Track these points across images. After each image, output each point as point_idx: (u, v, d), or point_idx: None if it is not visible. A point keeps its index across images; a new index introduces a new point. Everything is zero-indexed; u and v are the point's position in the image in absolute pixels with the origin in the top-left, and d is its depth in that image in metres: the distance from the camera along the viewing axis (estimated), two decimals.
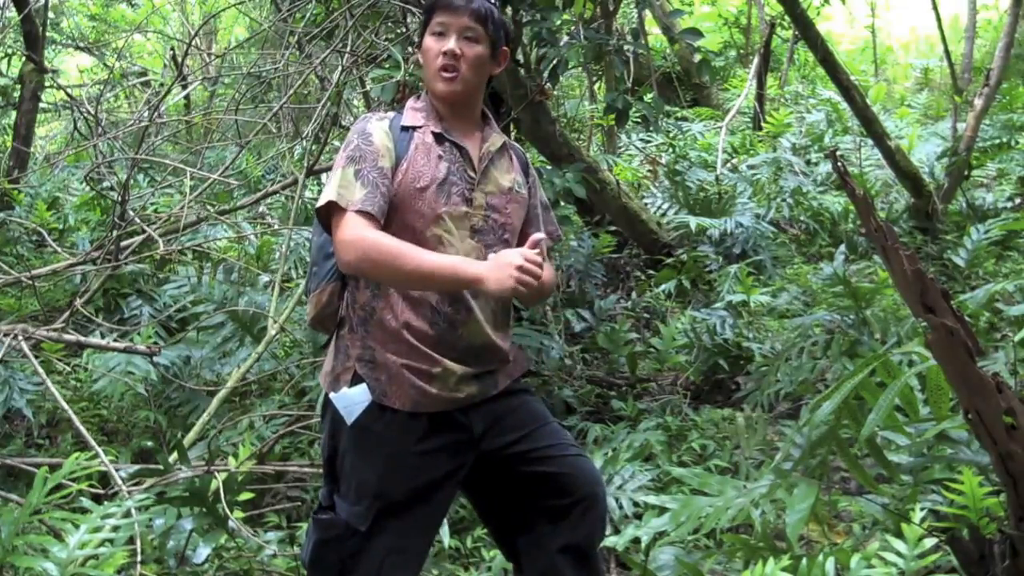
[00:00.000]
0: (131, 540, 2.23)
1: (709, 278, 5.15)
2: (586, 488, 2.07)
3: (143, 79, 9.54)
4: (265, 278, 4.88)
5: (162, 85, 8.40)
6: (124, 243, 4.37)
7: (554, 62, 3.84)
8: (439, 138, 2.02)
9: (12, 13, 6.65)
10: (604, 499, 2.12)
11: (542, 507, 2.07)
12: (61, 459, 3.09)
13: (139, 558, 2.26)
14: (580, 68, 5.99)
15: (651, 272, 5.42)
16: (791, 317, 4.45)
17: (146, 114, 5.40)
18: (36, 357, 3.22)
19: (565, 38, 3.93)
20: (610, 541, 2.08)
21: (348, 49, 4.15)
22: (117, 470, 2.68)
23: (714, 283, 5.03)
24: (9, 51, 7.79)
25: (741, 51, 11.40)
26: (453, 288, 1.94)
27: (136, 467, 2.96)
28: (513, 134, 4.44)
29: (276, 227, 5.79)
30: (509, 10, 3.72)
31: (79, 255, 4.62)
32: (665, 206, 5.96)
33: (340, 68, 4.38)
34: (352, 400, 1.97)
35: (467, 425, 2.01)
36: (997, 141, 7.33)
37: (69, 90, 6.60)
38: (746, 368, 4.12)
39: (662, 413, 3.82)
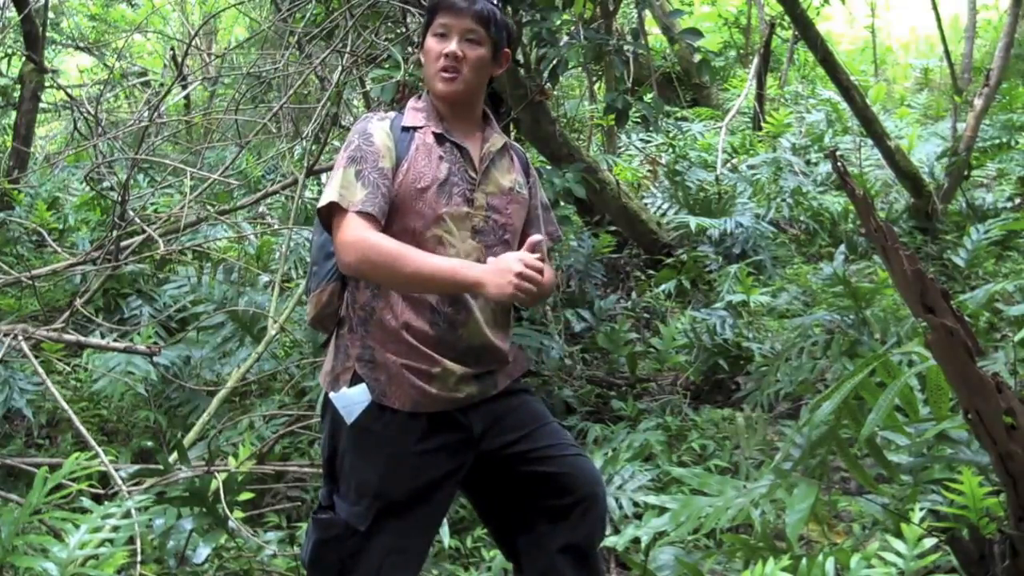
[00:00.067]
0: (131, 540, 2.23)
1: (709, 278, 5.15)
2: (586, 488, 2.07)
3: (143, 79, 9.52)
4: (265, 278, 4.88)
5: (162, 85, 8.40)
6: (124, 243, 4.37)
7: (554, 62, 3.84)
8: (440, 139, 2.02)
9: (12, 13, 6.64)
10: (604, 499, 2.13)
11: (542, 507, 2.07)
12: (61, 459, 3.09)
13: (139, 558, 2.26)
14: (580, 68, 5.98)
15: (651, 272, 5.42)
16: (791, 317, 4.45)
17: (146, 114, 5.40)
18: (36, 357, 3.22)
19: (565, 38, 3.93)
20: (610, 541, 2.08)
21: (348, 49, 4.16)
22: (117, 470, 2.68)
23: (714, 283, 5.03)
24: (9, 51, 7.79)
25: (741, 51, 11.39)
26: (452, 291, 1.94)
27: (136, 467, 2.96)
28: (513, 134, 4.44)
29: (276, 227, 5.78)
30: (509, 10, 3.72)
31: (79, 255, 4.61)
32: (665, 206, 5.96)
33: (340, 68, 4.39)
34: (352, 400, 1.97)
35: (467, 425, 2.01)
36: (997, 141, 7.33)
37: (69, 90, 6.59)
38: (746, 368, 4.12)
39: (662, 413, 3.82)
